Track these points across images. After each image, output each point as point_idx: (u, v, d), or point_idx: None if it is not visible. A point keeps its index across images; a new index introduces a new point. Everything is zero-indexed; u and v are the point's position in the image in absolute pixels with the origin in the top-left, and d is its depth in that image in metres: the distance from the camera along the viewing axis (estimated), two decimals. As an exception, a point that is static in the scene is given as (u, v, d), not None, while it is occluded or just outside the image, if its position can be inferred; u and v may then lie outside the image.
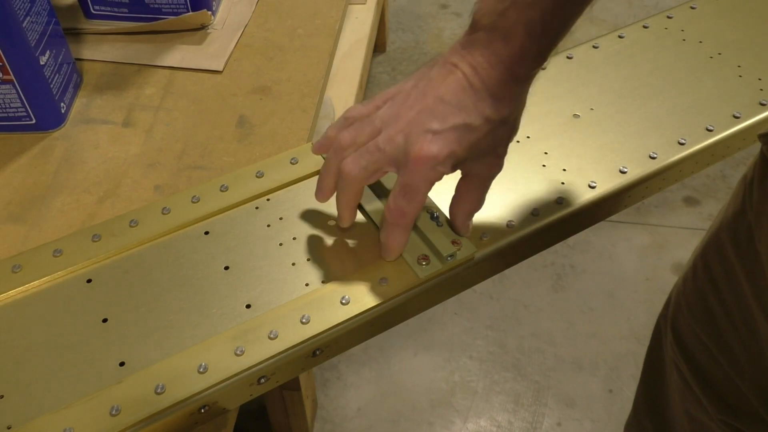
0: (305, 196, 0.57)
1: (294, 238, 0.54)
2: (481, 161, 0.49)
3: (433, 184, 0.48)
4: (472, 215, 0.53)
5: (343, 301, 0.49)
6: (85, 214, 0.65)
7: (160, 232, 0.53)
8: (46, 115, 0.72)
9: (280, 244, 0.53)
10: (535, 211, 0.55)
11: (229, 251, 0.53)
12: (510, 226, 0.54)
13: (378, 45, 1.98)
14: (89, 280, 0.51)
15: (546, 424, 1.28)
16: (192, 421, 0.46)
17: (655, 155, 0.60)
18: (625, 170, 0.59)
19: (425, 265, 0.51)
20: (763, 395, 0.58)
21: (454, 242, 0.51)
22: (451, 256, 0.51)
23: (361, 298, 0.49)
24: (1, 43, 0.65)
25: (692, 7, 0.74)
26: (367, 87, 1.91)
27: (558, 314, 1.44)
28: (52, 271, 0.51)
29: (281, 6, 0.89)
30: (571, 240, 1.55)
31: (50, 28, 0.71)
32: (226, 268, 0.52)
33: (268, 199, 0.56)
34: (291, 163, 0.59)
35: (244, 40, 0.84)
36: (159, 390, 0.44)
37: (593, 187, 0.58)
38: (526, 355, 1.38)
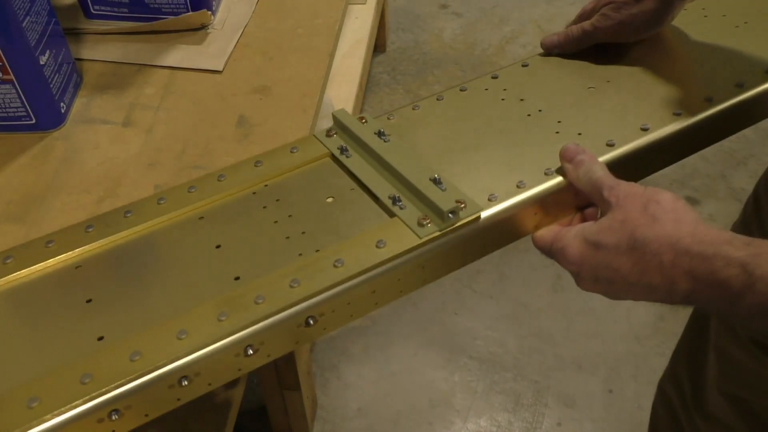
0: (305, 180, 0.55)
1: (290, 216, 0.52)
2: None
3: None
4: None
5: (337, 264, 0.46)
6: (85, 214, 0.65)
7: (154, 220, 0.52)
8: (46, 115, 0.72)
9: (275, 222, 0.52)
10: (547, 171, 0.53)
11: (223, 232, 0.51)
12: (520, 186, 0.52)
13: (378, 45, 1.98)
14: (78, 266, 0.50)
15: (546, 424, 1.28)
16: (173, 397, 0.43)
17: (680, 112, 0.57)
18: (647, 127, 0.56)
19: (426, 225, 0.48)
20: None
21: (458, 201, 0.49)
22: (453, 212, 0.48)
23: (355, 260, 0.46)
24: (1, 43, 0.65)
25: None
26: (367, 87, 1.91)
27: (558, 314, 1.44)
28: (42, 260, 0.50)
29: (281, 6, 0.89)
30: (571, 240, 1.55)
31: (50, 28, 0.71)
32: (218, 246, 0.50)
33: (266, 185, 0.55)
34: (291, 152, 0.57)
35: (244, 40, 0.84)
36: (134, 357, 0.42)
37: (612, 146, 0.55)
38: (526, 355, 1.38)
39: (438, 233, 0.48)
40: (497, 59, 2.00)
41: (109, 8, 0.84)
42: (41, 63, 0.69)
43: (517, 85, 0.63)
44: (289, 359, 1.03)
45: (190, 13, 0.83)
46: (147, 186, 0.67)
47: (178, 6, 0.83)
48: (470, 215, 0.49)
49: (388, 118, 0.60)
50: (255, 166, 0.56)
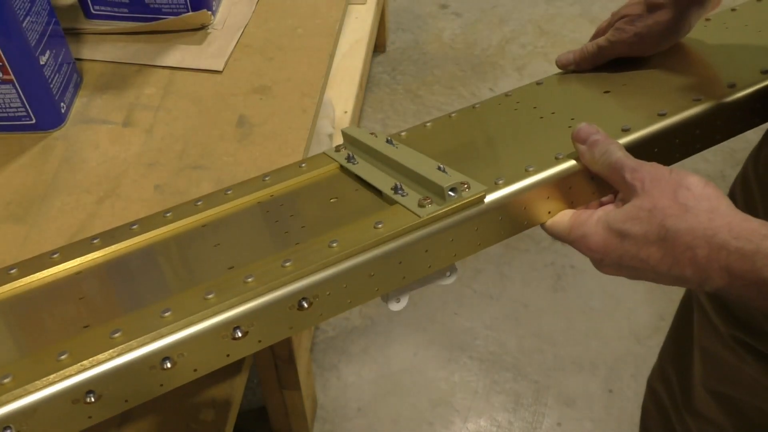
0: (310, 188, 0.55)
1: (291, 215, 0.51)
2: None
3: None
4: None
5: (332, 245, 0.44)
6: (85, 214, 0.65)
7: (158, 230, 0.53)
8: (46, 115, 0.72)
9: (276, 221, 0.51)
10: (558, 155, 0.51)
11: (223, 233, 0.51)
12: (529, 170, 0.50)
13: (378, 45, 1.98)
14: (78, 272, 0.50)
15: (546, 424, 1.28)
16: (156, 381, 0.40)
17: (700, 98, 0.55)
18: (665, 113, 0.54)
19: (426, 205, 0.47)
20: (766, 311, 0.60)
21: (461, 183, 0.47)
22: (453, 190, 0.46)
23: (351, 240, 0.45)
24: (1, 43, 0.65)
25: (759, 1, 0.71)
26: (367, 87, 1.91)
27: (558, 314, 1.44)
28: (44, 268, 0.50)
29: (281, 6, 0.89)
30: (571, 240, 1.55)
31: (50, 28, 0.71)
32: (216, 245, 0.49)
33: (271, 196, 0.55)
34: (299, 167, 0.57)
35: (244, 40, 0.84)
36: (114, 334, 0.40)
37: (627, 131, 0.53)
38: (526, 355, 1.38)
39: (439, 211, 0.46)
40: (497, 59, 2.00)
41: (109, 8, 0.84)
42: (41, 63, 0.69)
43: (531, 98, 0.62)
44: (289, 359, 1.03)
45: (190, 13, 0.83)
46: (147, 186, 0.67)
47: (178, 6, 0.83)
48: (473, 195, 0.47)
49: (400, 134, 0.60)
50: (263, 180, 0.56)
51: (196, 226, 0.53)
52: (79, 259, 0.51)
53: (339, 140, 0.61)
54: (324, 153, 0.59)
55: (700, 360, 0.72)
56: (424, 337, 1.40)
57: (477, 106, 0.63)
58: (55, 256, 0.51)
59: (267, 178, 0.56)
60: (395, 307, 0.53)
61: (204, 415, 0.54)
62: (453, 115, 0.62)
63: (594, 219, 0.47)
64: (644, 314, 1.43)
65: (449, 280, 0.53)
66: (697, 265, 0.41)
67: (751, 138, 0.67)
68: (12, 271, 0.50)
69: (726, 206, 0.42)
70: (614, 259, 0.45)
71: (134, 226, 0.53)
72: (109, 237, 0.53)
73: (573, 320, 1.42)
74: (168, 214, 0.54)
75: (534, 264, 1.52)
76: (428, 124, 0.61)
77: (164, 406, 0.55)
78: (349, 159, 0.56)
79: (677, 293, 0.81)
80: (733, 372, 0.67)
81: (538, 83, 0.65)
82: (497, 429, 1.28)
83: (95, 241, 0.52)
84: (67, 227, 0.64)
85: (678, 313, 0.81)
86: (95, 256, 0.51)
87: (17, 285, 0.50)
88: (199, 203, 0.54)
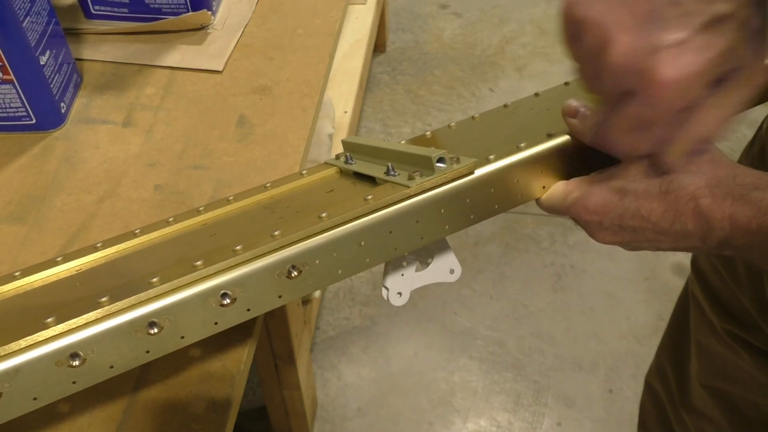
0: (310, 187, 0.56)
1: (287, 206, 0.52)
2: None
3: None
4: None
5: (321, 216, 0.44)
6: (85, 214, 0.65)
7: (159, 231, 0.53)
8: (46, 115, 0.72)
9: (273, 212, 0.52)
10: (551, 133, 0.50)
11: (220, 226, 0.52)
12: (520, 147, 0.50)
13: (378, 45, 1.98)
14: (78, 270, 0.51)
15: (546, 424, 1.28)
16: (142, 347, 0.40)
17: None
18: None
19: (416, 177, 0.47)
20: (758, 305, 0.62)
21: (451, 157, 0.47)
22: (441, 160, 0.46)
23: (340, 212, 0.45)
24: (1, 43, 0.65)
25: None
26: (367, 87, 1.91)
27: (558, 314, 1.44)
28: (46, 268, 0.51)
29: (281, 6, 0.89)
30: (571, 240, 1.55)
31: (50, 28, 0.71)
32: (213, 235, 0.50)
33: (271, 197, 0.56)
34: (301, 174, 0.58)
35: (244, 40, 0.84)
36: (101, 299, 0.39)
37: None
38: (526, 355, 1.38)
39: (427, 181, 0.46)
40: (497, 59, 2.00)
41: (109, 8, 0.84)
42: (41, 63, 0.69)
43: (528, 105, 0.62)
44: (289, 359, 1.03)
45: (190, 13, 0.83)
46: (147, 186, 0.67)
47: (178, 6, 0.83)
48: (462, 166, 0.47)
49: (399, 143, 0.61)
50: (264, 187, 0.57)
51: (197, 225, 0.54)
52: (81, 259, 0.52)
53: (339, 141, 0.61)
54: (324, 162, 0.60)
55: (697, 356, 0.73)
56: (424, 337, 1.40)
57: (475, 116, 0.64)
58: (58, 259, 0.52)
59: (268, 185, 0.57)
60: (396, 301, 0.52)
61: (204, 414, 0.54)
62: (452, 125, 0.63)
63: (590, 180, 0.46)
64: (644, 314, 1.43)
65: (452, 278, 0.53)
66: (700, 216, 0.40)
67: (750, 136, 0.67)
68: (17, 274, 0.51)
69: (727, 158, 0.42)
70: (614, 219, 0.44)
71: (137, 231, 0.54)
72: (112, 242, 0.54)
73: (573, 320, 1.43)
74: (171, 220, 0.55)
75: (534, 264, 1.52)
76: (427, 133, 0.62)
77: (164, 405, 0.55)
78: (347, 161, 0.57)
79: (676, 293, 0.81)
80: (729, 367, 0.68)
81: (536, 95, 0.65)
82: (497, 429, 1.28)
83: (98, 245, 0.53)
84: (67, 227, 0.64)
85: (675, 310, 0.81)
86: (96, 256, 0.52)
87: (21, 283, 0.50)
88: (200, 209, 0.56)
